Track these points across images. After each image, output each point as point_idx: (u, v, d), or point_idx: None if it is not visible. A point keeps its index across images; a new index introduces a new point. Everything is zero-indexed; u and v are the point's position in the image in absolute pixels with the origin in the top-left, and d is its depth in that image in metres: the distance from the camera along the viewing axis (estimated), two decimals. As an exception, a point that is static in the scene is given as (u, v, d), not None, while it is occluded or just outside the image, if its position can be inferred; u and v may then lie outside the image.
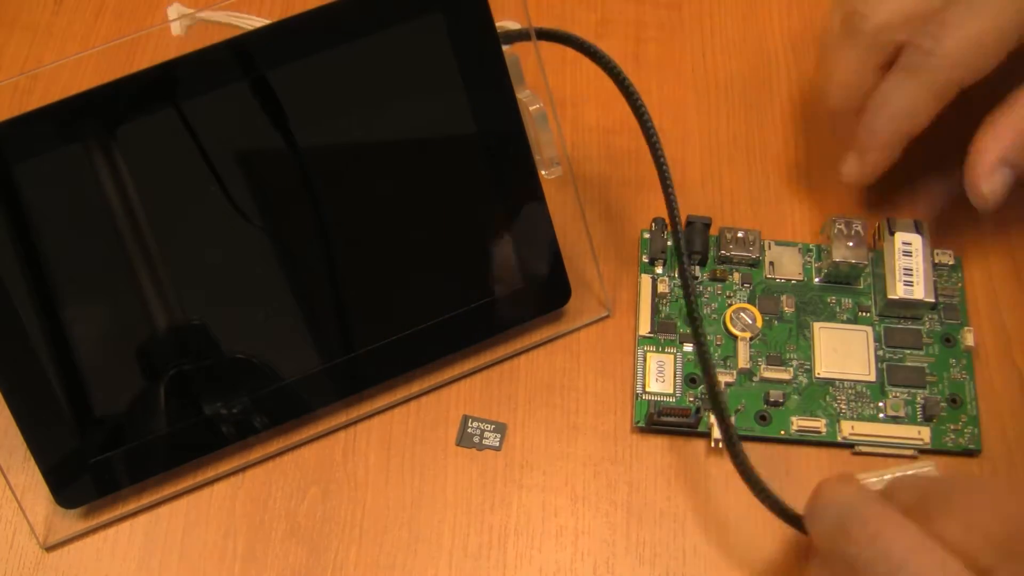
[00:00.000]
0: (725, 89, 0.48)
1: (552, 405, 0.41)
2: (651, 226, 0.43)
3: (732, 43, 0.49)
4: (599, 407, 0.41)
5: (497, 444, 0.40)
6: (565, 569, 0.38)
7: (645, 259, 0.43)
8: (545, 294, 0.41)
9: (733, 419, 0.39)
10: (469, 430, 0.40)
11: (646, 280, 0.42)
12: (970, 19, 0.37)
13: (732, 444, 0.36)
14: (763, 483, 0.35)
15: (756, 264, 0.43)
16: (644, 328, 0.41)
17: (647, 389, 0.40)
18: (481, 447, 0.40)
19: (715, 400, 0.36)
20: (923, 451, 0.39)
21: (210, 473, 0.39)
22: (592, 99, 0.47)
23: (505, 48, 0.38)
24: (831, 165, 0.44)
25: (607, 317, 0.42)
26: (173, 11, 0.38)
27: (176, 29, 0.38)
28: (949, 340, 0.41)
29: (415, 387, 0.41)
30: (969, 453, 0.39)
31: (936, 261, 0.42)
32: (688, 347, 0.41)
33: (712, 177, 0.46)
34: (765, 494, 0.35)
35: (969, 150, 0.40)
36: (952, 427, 0.40)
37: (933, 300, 0.41)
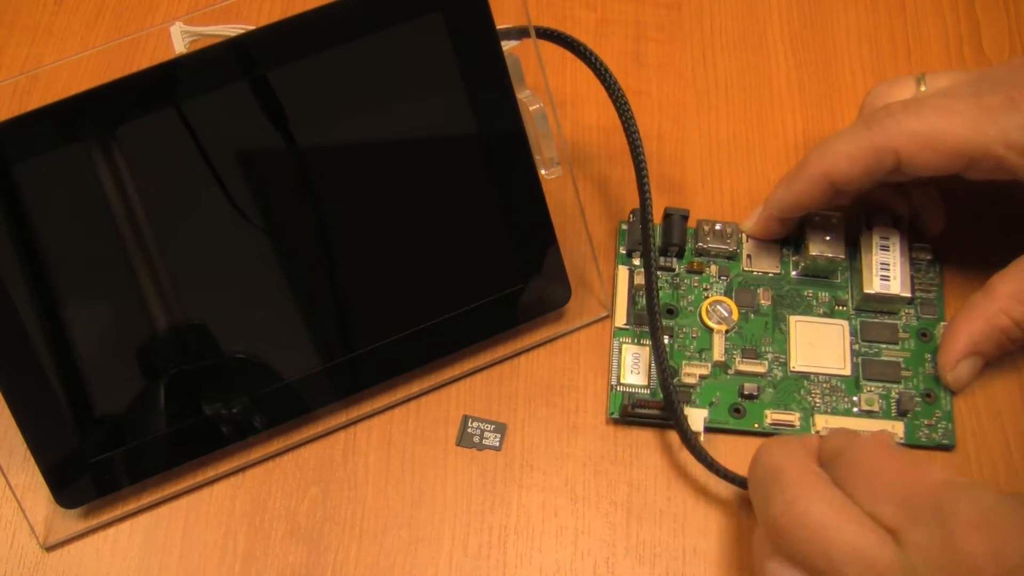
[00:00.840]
0: (725, 89, 0.48)
1: (552, 405, 0.41)
2: (629, 217, 0.43)
3: (732, 43, 0.49)
4: (599, 407, 0.41)
5: (497, 444, 0.40)
6: (565, 569, 0.38)
7: (623, 251, 0.43)
8: (545, 294, 0.41)
9: (710, 413, 0.40)
10: (469, 430, 0.40)
11: (623, 271, 0.42)
12: (938, 114, 0.37)
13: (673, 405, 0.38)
14: (704, 451, 0.38)
15: (734, 257, 0.43)
16: (620, 320, 0.41)
17: (622, 381, 0.40)
18: (481, 447, 0.40)
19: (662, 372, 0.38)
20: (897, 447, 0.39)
21: (210, 473, 0.39)
22: (592, 99, 0.47)
23: (505, 48, 0.38)
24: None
25: (607, 317, 0.42)
26: (176, 31, 0.38)
27: (179, 47, 0.38)
28: (925, 335, 0.41)
29: (415, 387, 0.41)
30: (943, 448, 0.39)
31: (914, 256, 0.42)
32: (665, 339, 0.41)
33: (712, 177, 0.46)
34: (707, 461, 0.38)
35: (944, 331, 0.41)
36: (926, 422, 0.40)
37: (909, 295, 0.41)
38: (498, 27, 0.37)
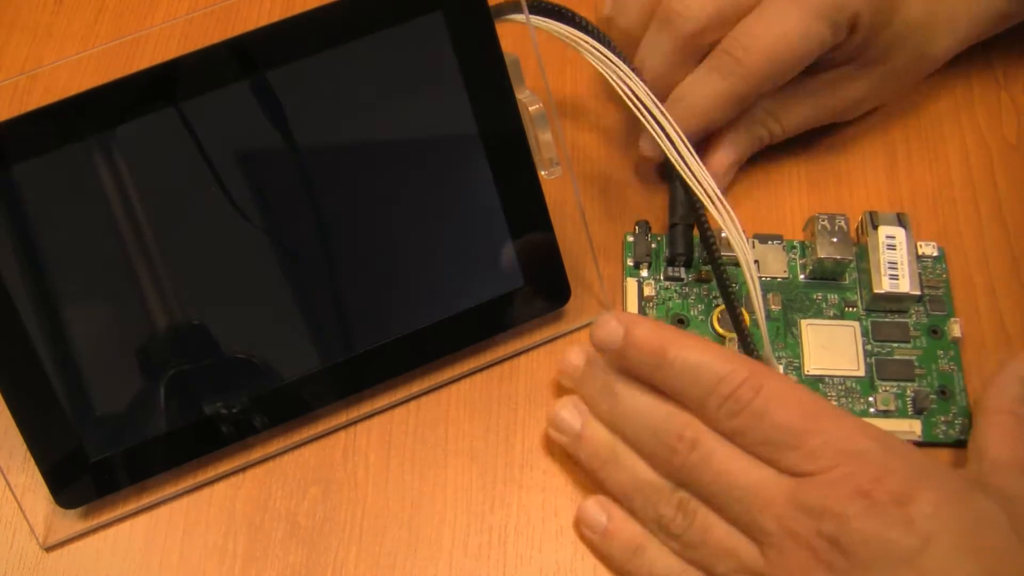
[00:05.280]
0: (725, 89, 0.48)
1: (552, 405, 0.40)
2: (635, 229, 0.43)
3: (732, 43, 0.49)
4: (599, 407, 0.41)
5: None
6: (565, 569, 0.38)
7: (630, 263, 0.43)
8: (545, 294, 0.41)
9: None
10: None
11: (632, 284, 0.42)
12: (773, 26, 0.39)
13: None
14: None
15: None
16: None
17: None
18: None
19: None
20: (915, 444, 0.39)
21: (210, 473, 0.39)
22: (592, 99, 0.47)
23: (500, 25, 0.38)
24: (821, 162, 0.45)
25: (607, 317, 0.42)
26: None
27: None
28: (936, 332, 0.41)
29: (415, 387, 0.41)
30: (961, 444, 0.39)
31: (920, 253, 0.42)
32: None
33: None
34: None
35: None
36: (943, 419, 0.40)
37: (919, 293, 0.41)
38: (490, 3, 0.37)
